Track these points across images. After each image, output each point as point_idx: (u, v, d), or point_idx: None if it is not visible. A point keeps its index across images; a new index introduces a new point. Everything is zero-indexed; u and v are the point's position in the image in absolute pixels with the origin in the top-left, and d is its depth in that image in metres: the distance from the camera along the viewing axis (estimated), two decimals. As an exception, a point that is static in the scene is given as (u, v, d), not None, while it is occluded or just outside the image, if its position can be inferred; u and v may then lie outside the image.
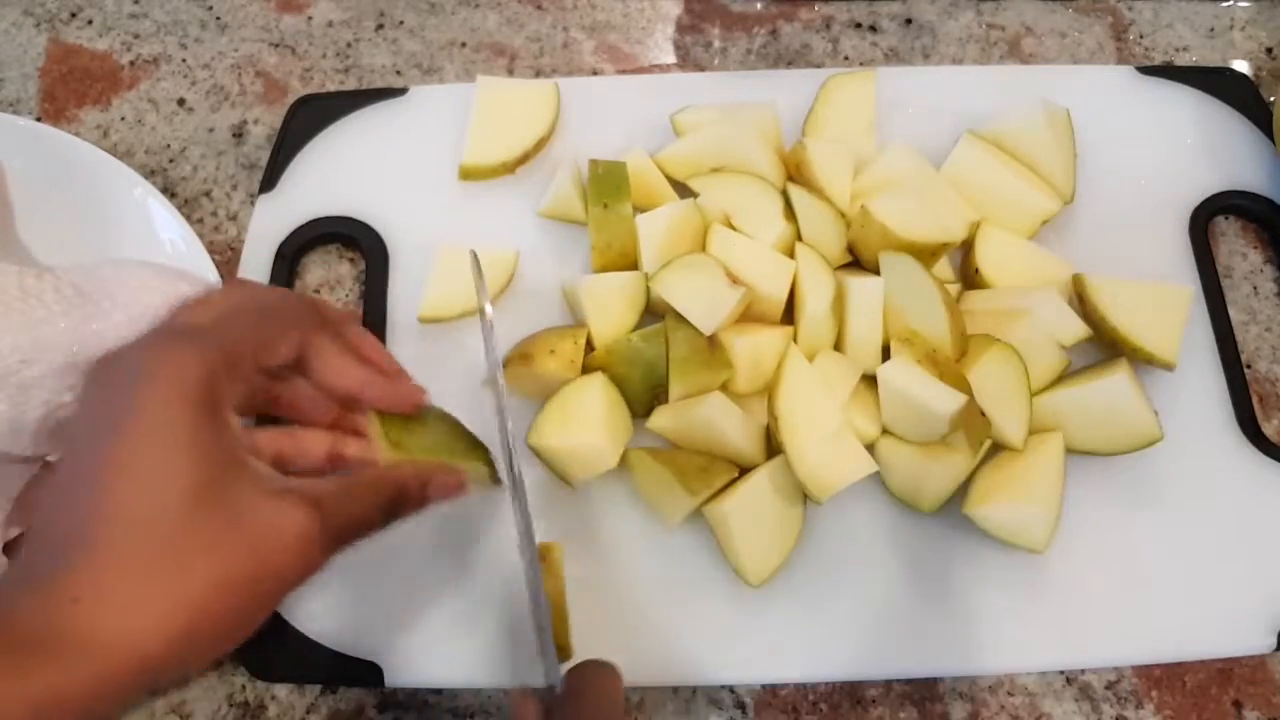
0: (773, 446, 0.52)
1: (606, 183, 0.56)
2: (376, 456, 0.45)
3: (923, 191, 0.56)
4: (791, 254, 0.55)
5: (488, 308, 0.50)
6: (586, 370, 0.53)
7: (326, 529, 0.39)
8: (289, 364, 0.43)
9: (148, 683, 0.35)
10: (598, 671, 0.43)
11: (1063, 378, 0.54)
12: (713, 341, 0.52)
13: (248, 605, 0.37)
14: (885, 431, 0.52)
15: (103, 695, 0.34)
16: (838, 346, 0.54)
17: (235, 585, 0.36)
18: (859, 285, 0.53)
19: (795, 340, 0.53)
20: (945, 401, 0.49)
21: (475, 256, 0.52)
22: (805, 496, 0.51)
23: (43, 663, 0.33)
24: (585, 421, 0.50)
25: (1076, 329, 0.53)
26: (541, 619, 0.45)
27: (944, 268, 0.56)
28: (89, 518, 0.35)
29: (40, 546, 0.37)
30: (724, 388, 0.52)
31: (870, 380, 0.52)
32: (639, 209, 0.56)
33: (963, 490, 0.51)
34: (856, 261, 0.56)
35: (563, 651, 0.48)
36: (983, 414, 0.51)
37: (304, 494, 0.39)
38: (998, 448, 0.52)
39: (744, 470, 0.52)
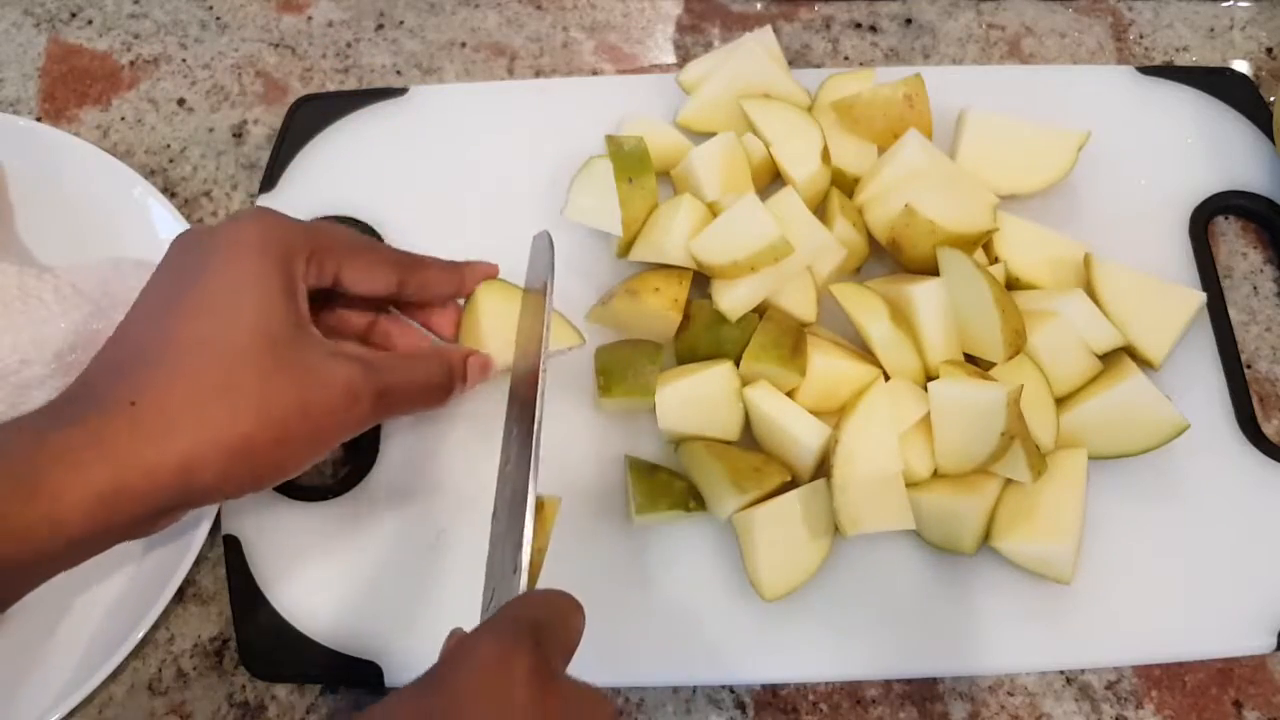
0: (820, 471, 0.51)
1: (631, 158, 0.57)
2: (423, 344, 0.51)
3: (948, 182, 0.55)
4: (821, 196, 0.56)
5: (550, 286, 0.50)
6: (689, 311, 0.54)
7: (373, 386, 0.44)
8: (383, 295, 0.48)
9: (186, 496, 0.39)
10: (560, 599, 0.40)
11: (1079, 388, 0.53)
12: (798, 346, 0.52)
13: (291, 444, 0.41)
14: (937, 474, 0.51)
15: (149, 497, 0.38)
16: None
17: (282, 422, 0.40)
18: (921, 291, 0.52)
19: (885, 375, 0.52)
20: (995, 393, 0.48)
21: (549, 238, 0.52)
22: (835, 527, 0.50)
23: (99, 458, 0.37)
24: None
25: (1108, 335, 0.53)
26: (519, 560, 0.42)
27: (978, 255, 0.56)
28: (159, 342, 0.40)
29: (102, 367, 0.41)
30: (790, 395, 0.52)
31: (928, 419, 0.51)
32: (661, 172, 0.58)
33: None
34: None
35: None
36: (1030, 438, 0.49)
37: (357, 355, 0.45)
38: None
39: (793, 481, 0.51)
